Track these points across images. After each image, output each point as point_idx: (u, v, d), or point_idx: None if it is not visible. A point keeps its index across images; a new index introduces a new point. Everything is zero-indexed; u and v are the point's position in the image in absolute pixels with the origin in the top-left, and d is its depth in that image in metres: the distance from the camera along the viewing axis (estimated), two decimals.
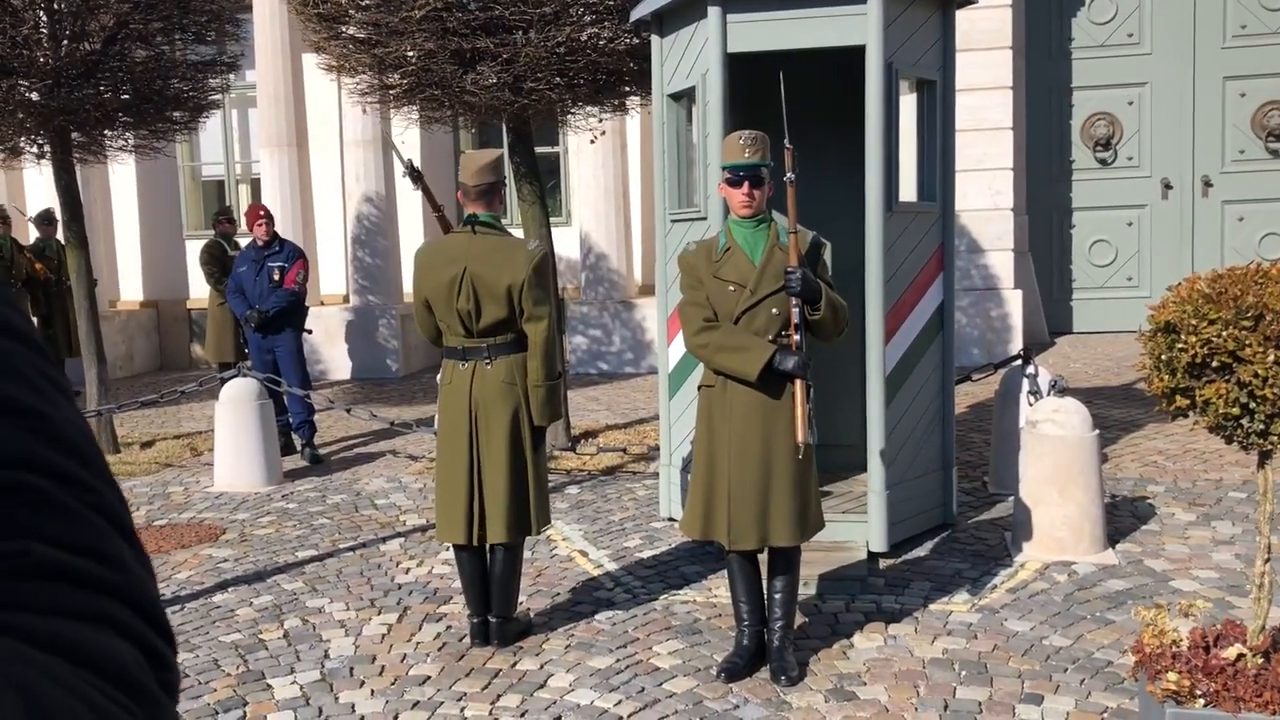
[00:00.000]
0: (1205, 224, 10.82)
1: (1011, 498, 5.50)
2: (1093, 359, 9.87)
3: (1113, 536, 5.29)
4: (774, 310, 3.92)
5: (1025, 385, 5.93)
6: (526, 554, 5.49)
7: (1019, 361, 6.13)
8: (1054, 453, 5.03)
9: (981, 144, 10.27)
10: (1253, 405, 2.75)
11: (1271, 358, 2.68)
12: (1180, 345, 2.79)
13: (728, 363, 3.91)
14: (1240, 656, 2.94)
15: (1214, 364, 2.76)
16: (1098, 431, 5.16)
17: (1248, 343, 2.69)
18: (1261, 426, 2.76)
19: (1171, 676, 2.90)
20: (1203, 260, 10.26)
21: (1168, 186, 10.86)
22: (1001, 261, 10.46)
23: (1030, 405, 5.66)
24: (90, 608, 0.47)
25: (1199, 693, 2.89)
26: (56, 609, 0.45)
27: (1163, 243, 10.89)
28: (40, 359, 0.51)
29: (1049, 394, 5.35)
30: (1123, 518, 5.62)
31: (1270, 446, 2.86)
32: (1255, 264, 2.89)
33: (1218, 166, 10.76)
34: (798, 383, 3.83)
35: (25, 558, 0.46)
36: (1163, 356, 2.85)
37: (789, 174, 3.86)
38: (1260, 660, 2.95)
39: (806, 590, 4.61)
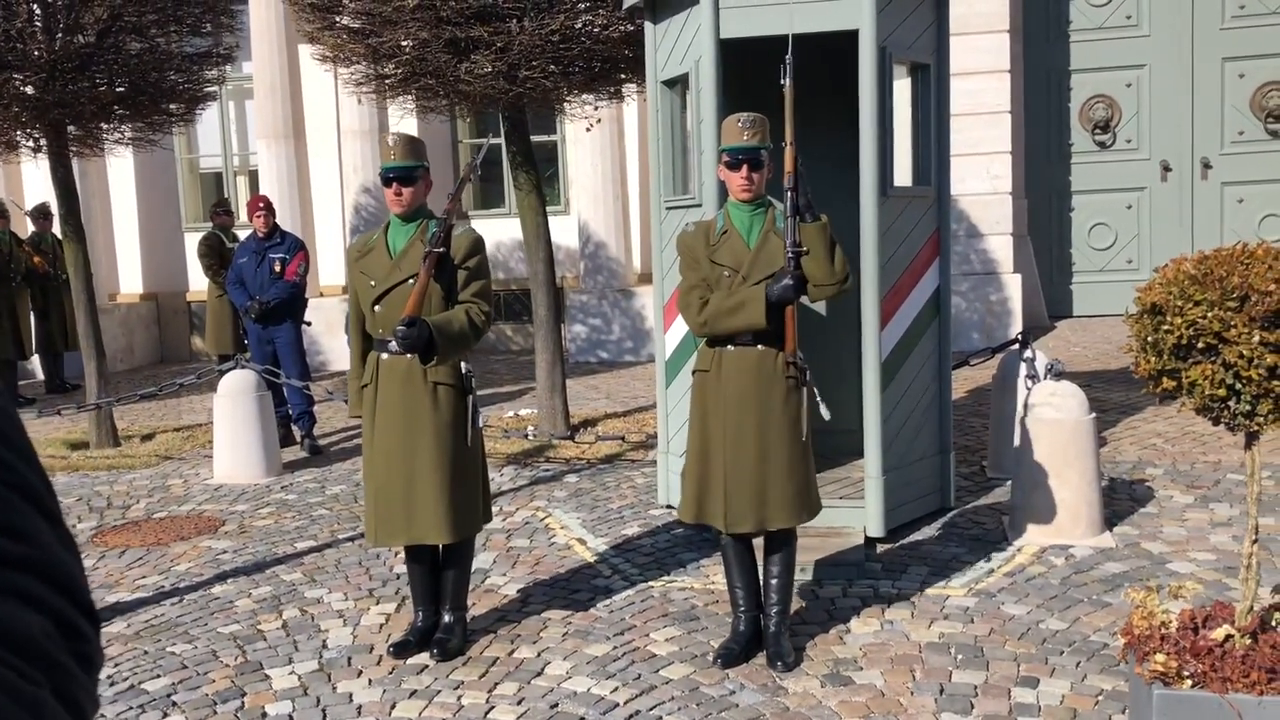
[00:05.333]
0: (1205, 206, 10.78)
1: (1009, 482, 5.51)
2: (1092, 342, 9.86)
3: (1110, 519, 5.30)
4: None
5: (1023, 369, 5.92)
6: (524, 542, 5.51)
7: (1016, 346, 6.12)
8: (1051, 436, 5.03)
9: (980, 128, 10.24)
10: (1239, 386, 2.75)
11: (1257, 339, 2.68)
12: (1166, 327, 2.79)
13: (733, 323, 3.90)
14: (1228, 637, 2.94)
15: (1200, 345, 2.76)
16: (1094, 415, 5.16)
17: (1233, 324, 2.69)
18: (1248, 408, 2.76)
19: (1159, 658, 2.90)
20: (1202, 242, 10.23)
21: (1167, 169, 10.83)
22: (1000, 246, 10.44)
23: (1028, 389, 5.66)
24: None
25: (1186, 674, 2.89)
26: None
27: (1162, 225, 10.86)
28: None
29: (1045, 378, 5.35)
30: (1121, 500, 5.62)
31: (1257, 427, 2.86)
32: (1241, 245, 2.88)
33: (1217, 148, 10.72)
34: (788, 308, 3.85)
35: None
36: (1149, 338, 2.85)
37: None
38: (1248, 641, 2.95)
39: (803, 575, 4.62)
